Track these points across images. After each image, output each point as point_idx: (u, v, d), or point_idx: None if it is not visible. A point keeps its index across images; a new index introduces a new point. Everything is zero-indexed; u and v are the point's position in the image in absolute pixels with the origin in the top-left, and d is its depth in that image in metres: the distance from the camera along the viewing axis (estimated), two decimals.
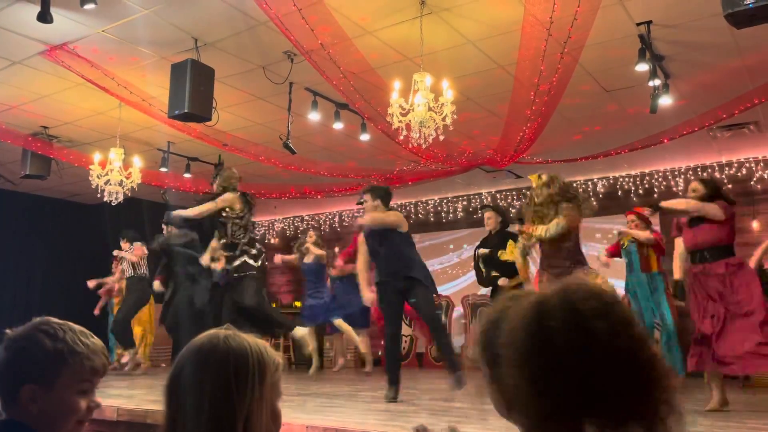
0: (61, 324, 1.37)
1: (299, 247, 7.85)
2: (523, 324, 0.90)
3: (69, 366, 1.33)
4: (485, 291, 7.12)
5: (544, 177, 4.78)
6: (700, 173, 8.40)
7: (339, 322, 7.36)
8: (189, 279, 6.49)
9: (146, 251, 7.77)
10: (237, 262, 5.66)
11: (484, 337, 1.00)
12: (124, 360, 7.71)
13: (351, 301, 7.18)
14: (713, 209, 4.39)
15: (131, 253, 7.75)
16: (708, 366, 4.29)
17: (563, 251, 4.62)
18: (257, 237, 6.02)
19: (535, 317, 0.89)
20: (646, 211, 5.09)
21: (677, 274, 4.80)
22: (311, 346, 7.16)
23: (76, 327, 1.39)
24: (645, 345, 0.88)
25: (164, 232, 7.16)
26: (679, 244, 4.73)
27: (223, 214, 5.70)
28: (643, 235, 5.83)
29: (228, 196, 5.69)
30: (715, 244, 4.40)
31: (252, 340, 1.18)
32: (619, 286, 6.16)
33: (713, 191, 4.57)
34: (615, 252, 6.35)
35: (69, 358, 1.33)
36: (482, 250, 6.34)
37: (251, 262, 5.68)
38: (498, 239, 6.51)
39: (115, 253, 8.12)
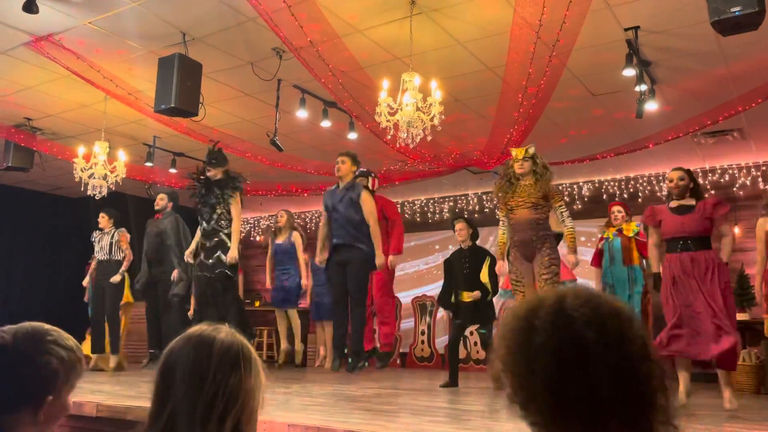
0: (53, 330, 1.37)
1: (271, 231, 7.78)
2: (514, 318, 0.91)
3: (76, 372, 1.37)
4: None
5: (531, 150, 4.98)
6: None
7: (293, 312, 7.29)
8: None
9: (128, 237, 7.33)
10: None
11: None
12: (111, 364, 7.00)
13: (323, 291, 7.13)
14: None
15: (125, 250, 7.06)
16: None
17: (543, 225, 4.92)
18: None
19: (525, 314, 0.90)
20: None
21: (655, 267, 4.62)
22: (281, 330, 7.42)
23: (57, 330, 1.39)
24: (642, 362, 0.85)
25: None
26: (653, 234, 4.59)
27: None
28: None
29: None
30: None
31: (236, 334, 1.23)
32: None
33: (695, 182, 4.57)
34: (597, 263, 6.26)
35: (78, 365, 1.37)
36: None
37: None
38: (470, 256, 5.92)
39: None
